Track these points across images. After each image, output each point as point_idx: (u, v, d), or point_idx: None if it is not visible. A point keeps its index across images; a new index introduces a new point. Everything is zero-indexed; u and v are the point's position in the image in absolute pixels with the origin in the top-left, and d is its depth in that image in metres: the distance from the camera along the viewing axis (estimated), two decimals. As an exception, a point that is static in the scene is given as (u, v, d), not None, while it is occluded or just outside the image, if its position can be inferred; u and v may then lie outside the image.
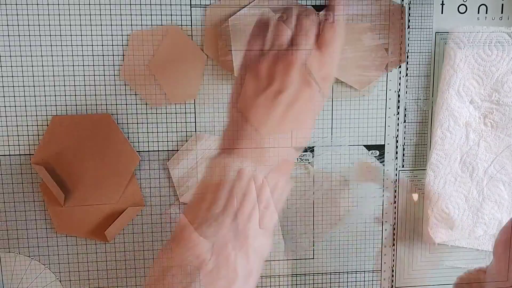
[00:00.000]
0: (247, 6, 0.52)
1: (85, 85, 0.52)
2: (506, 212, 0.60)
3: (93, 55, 0.52)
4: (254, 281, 0.40)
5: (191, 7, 0.53)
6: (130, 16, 0.52)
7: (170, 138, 0.55)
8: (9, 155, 0.53)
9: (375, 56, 0.55)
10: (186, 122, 0.55)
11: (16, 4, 0.50)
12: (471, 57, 0.55)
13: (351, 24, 0.54)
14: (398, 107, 0.58)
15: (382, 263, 0.61)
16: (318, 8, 0.54)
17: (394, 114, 0.58)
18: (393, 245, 0.61)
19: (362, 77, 0.56)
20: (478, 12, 0.56)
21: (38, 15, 0.50)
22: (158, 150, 0.55)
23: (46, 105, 0.52)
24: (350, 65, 0.55)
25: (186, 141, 0.55)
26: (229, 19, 0.52)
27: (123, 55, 0.52)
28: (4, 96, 0.52)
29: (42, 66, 0.51)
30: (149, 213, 0.56)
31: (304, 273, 0.60)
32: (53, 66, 0.52)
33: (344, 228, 0.60)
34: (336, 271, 0.61)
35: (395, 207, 0.60)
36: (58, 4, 0.50)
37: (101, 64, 0.52)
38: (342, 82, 0.55)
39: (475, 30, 0.54)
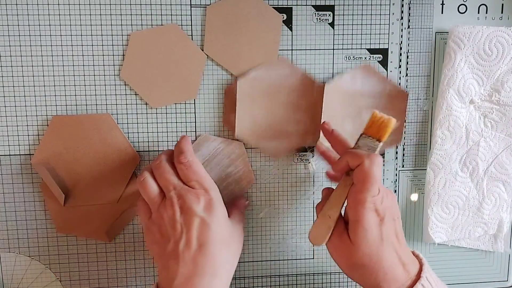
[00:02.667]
0: (255, 68, 0.53)
1: (85, 85, 0.53)
2: (506, 212, 0.60)
3: (93, 55, 0.52)
4: None
5: (191, 7, 0.53)
6: (130, 16, 0.52)
7: (170, 138, 0.55)
8: (9, 155, 0.53)
9: None
10: (186, 122, 0.55)
11: (16, 4, 0.50)
12: (471, 57, 0.55)
13: (353, 98, 0.55)
14: (398, 107, 0.58)
15: (382, 263, 0.61)
16: (318, 8, 0.54)
17: (394, 114, 0.58)
18: (393, 245, 0.61)
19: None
20: (478, 12, 0.57)
21: (38, 15, 0.50)
22: (158, 150, 0.55)
23: (46, 105, 0.52)
24: (347, 137, 0.56)
25: (186, 141, 0.55)
26: (238, 80, 0.53)
27: (123, 55, 0.52)
28: (4, 96, 0.52)
29: (42, 66, 0.52)
30: (149, 213, 0.56)
31: (304, 273, 0.60)
32: (53, 66, 0.52)
33: (344, 228, 0.60)
34: (336, 271, 0.61)
35: (395, 207, 0.60)
36: (58, 4, 0.50)
37: (101, 64, 0.52)
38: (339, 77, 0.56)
39: (475, 30, 0.54)
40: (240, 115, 0.54)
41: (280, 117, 0.55)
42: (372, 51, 0.56)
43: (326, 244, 0.45)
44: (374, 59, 0.56)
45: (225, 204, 0.48)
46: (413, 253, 0.47)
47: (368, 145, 0.43)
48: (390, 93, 0.56)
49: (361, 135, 0.43)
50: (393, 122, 0.43)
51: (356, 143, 0.44)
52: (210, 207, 0.45)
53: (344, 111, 0.55)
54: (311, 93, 0.55)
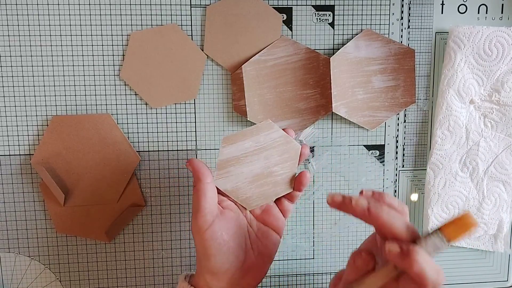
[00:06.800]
0: (259, 53, 0.53)
1: (85, 85, 0.53)
2: (506, 212, 0.60)
3: (93, 55, 0.52)
4: None
5: (191, 7, 0.53)
6: (130, 16, 0.52)
7: (170, 138, 0.55)
8: (9, 155, 0.53)
9: (386, 97, 0.56)
10: (186, 122, 0.55)
11: (16, 4, 0.50)
12: (471, 57, 0.55)
13: (360, 66, 0.55)
14: (398, 107, 0.58)
15: (382, 263, 0.61)
16: (318, 8, 0.54)
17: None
18: (393, 245, 0.61)
19: (373, 118, 0.57)
20: (478, 12, 0.57)
21: (38, 15, 0.50)
22: (158, 150, 0.55)
23: (46, 105, 0.52)
24: (360, 106, 0.56)
25: (186, 141, 0.55)
26: (242, 65, 0.53)
27: (123, 55, 0.52)
28: (4, 96, 0.52)
29: (42, 66, 0.52)
30: (149, 213, 0.56)
31: (304, 273, 0.60)
32: (53, 66, 0.52)
33: (344, 228, 0.60)
34: (336, 271, 0.61)
35: (395, 207, 0.60)
36: (58, 4, 0.51)
37: (101, 64, 0.52)
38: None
39: (475, 30, 0.54)
40: (249, 99, 0.53)
41: (289, 96, 0.55)
42: (372, 51, 0.56)
43: None
44: (374, 59, 0.56)
45: (246, 204, 0.47)
46: None
47: (437, 245, 0.35)
48: (395, 53, 0.56)
49: (437, 231, 0.35)
50: (474, 229, 0.35)
51: (425, 238, 0.35)
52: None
53: (353, 80, 0.55)
54: (317, 68, 0.54)
